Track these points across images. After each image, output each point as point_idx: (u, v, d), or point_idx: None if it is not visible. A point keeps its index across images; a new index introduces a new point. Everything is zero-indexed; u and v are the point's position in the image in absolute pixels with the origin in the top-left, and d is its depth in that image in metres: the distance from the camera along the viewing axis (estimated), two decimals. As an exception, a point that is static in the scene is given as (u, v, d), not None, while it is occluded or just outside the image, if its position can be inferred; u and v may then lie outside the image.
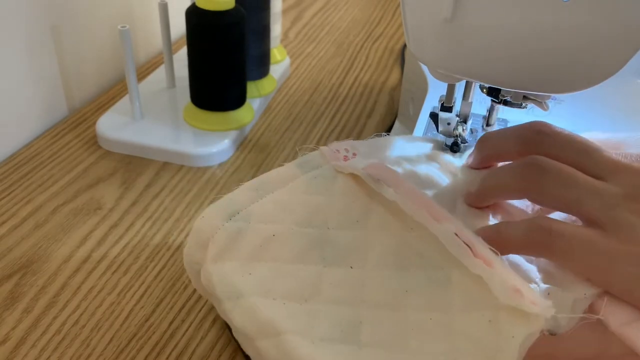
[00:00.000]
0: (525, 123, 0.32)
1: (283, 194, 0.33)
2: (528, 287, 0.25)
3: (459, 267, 0.28)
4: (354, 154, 0.36)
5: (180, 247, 0.43)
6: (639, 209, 0.26)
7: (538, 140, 0.31)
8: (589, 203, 0.27)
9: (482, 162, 0.36)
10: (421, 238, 0.31)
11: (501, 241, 0.28)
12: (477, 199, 0.34)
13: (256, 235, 0.31)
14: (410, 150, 0.38)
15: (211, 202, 0.48)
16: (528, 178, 0.29)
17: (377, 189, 0.32)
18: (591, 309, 0.26)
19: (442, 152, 0.39)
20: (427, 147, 0.39)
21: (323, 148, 0.36)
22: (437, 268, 0.29)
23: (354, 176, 0.34)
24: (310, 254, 0.31)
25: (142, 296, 0.39)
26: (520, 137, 0.32)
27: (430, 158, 0.38)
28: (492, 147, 0.34)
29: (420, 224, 0.30)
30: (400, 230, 0.31)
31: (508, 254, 0.29)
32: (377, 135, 0.38)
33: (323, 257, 0.31)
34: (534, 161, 0.29)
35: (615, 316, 0.25)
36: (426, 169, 0.37)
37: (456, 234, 0.28)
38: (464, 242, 0.27)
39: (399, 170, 0.35)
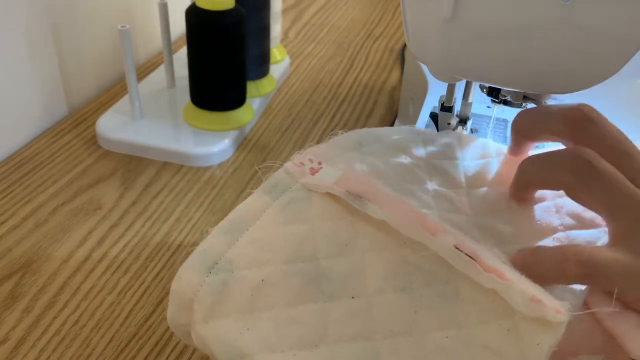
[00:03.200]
0: (572, 104, 0.30)
1: (259, 230, 0.30)
2: (546, 294, 0.25)
3: (465, 279, 0.27)
4: (319, 163, 0.33)
5: (180, 247, 0.43)
6: None
7: (585, 126, 0.29)
8: (631, 212, 0.26)
9: (526, 139, 0.33)
10: (418, 252, 0.29)
11: (533, 273, 0.27)
12: (517, 189, 0.32)
13: (244, 284, 0.28)
14: (373, 143, 0.36)
15: (210, 203, 0.48)
16: (577, 173, 0.28)
17: (360, 208, 0.30)
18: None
19: (412, 142, 0.37)
20: (391, 139, 0.37)
21: (287, 165, 0.33)
22: (443, 282, 0.28)
23: (329, 193, 0.31)
24: (307, 291, 0.28)
25: (142, 296, 0.39)
26: (567, 118, 0.30)
27: (397, 149, 0.36)
28: (534, 124, 0.32)
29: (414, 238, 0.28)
30: (394, 247, 0.30)
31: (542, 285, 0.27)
32: (336, 135, 0.36)
33: (321, 291, 0.28)
34: (585, 156, 0.28)
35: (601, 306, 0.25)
36: (394, 163, 0.35)
37: (456, 247, 0.27)
38: (467, 255, 0.26)
39: (364, 167, 0.33)
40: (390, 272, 0.29)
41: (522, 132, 0.33)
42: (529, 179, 0.31)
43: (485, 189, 0.34)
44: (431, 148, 0.36)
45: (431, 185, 0.34)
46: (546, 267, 0.27)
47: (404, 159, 0.35)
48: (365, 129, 0.36)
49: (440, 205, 0.33)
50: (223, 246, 0.29)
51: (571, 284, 0.27)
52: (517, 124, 0.33)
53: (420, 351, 0.26)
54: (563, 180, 0.28)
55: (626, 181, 0.27)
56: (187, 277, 0.28)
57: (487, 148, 0.37)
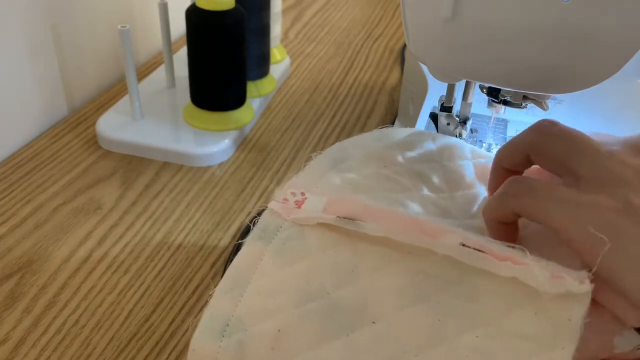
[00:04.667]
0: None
1: (261, 279, 0.29)
2: (564, 268, 0.25)
3: (478, 274, 0.27)
4: (303, 194, 0.32)
5: (180, 247, 0.43)
6: (628, 161, 0.27)
7: (549, 124, 0.31)
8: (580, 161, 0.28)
9: (506, 170, 0.33)
10: (425, 258, 0.29)
11: (489, 219, 0.29)
12: (492, 175, 0.33)
13: (261, 340, 0.27)
14: (348, 159, 0.35)
15: (210, 203, 0.48)
16: (540, 130, 0.30)
17: (358, 230, 0.29)
18: None
19: (387, 148, 0.36)
20: (366, 150, 0.36)
21: (271, 205, 0.32)
22: (457, 283, 0.28)
23: (321, 223, 0.31)
24: (327, 329, 0.27)
25: (142, 296, 0.39)
26: (532, 128, 0.31)
27: (374, 160, 0.35)
28: (509, 147, 0.33)
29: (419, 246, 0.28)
30: (400, 260, 0.29)
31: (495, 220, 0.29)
32: (310, 159, 0.35)
33: (340, 325, 0.27)
34: (547, 120, 0.30)
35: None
36: (374, 174, 0.34)
37: (463, 244, 0.27)
38: (476, 249, 0.26)
39: (346, 186, 0.33)
40: (403, 287, 0.28)
41: (501, 163, 0.33)
42: (499, 157, 0.32)
43: (466, 191, 0.35)
44: (409, 153, 0.36)
45: (416, 191, 0.34)
46: (492, 204, 0.29)
47: (383, 169, 0.35)
48: (336, 144, 0.36)
49: (428, 210, 0.33)
50: (229, 306, 0.28)
51: (513, 207, 0.28)
52: (496, 157, 0.33)
53: (455, 359, 0.26)
54: (527, 140, 0.30)
55: (584, 135, 0.29)
56: (202, 348, 0.27)
57: (463, 150, 0.37)
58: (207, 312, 0.28)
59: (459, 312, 0.27)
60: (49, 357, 0.35)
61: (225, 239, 0.44)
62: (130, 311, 0.38)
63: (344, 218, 0.30)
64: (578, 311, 0.25)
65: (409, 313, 0.27)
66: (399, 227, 0.29)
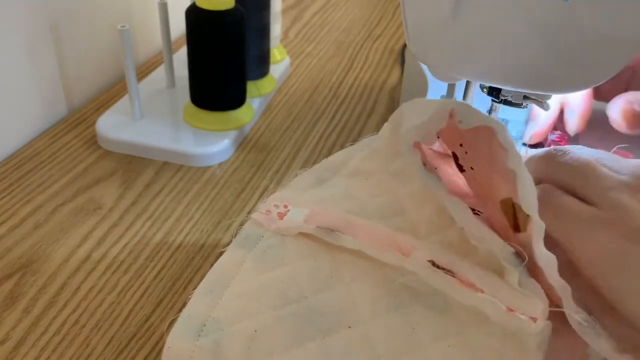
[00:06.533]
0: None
1: (241, 284, 0.30)
2: (522, 301, 0.25)
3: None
4: (285, 206, 0.33)
5: (180, 247, 0.43)
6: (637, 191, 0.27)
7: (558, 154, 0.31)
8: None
9: None
10: (400, 270, 0.29)
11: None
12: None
13: (237, 339, 0.28)
14: (332, 177, 0.36)
15: (210, 203, 0.48)
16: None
17: (334, 242, 0.30)
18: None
19: (367, 160, 0.36)
20: (348, 165, 0.37)
21: (254, 215, 0.33)
22: (430, 295, 0.28)
23: (301, 233, 0.32)
24: (303, 331, 0.28)
25: (142, 296, 0.39)
26: (542, 156, 0.32)
27: (356, 174, 0.36)
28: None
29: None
30: (377, 270, 0.30)
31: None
32: (295, 176, 0.36)
33: (317, 328, 0.28)
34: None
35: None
36: (357, 186, 0.35)
37: (433, 262, 0.27)
38: (443, 268, 0.27)
39: (329, 200, 0.33)
40: (379, 295, 0.29)
41: None
42: None
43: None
44: (391, 162, 0.36)
45: (401, 189, 0.34)
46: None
47: (365, 181, 0.35)
48: (322, 162, 0.36)
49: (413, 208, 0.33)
50: (207, 307, 0.29)
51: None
52: None
53: None
54: (537, 168, 0.30)
55: (595, 165, 0.29)
56: (177, 346, 0.28)
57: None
58: (184, 312, 0.29)
59: (432, 321, 0.28)
60: (48, 357, 0.34)
61: (225, 239, 0.44)
62: (130, 311, 0.38)
63: (324, 228, 0.31)
64: (536, 341, 0.25)
65: (384, 320, 0.28)
66: (374, 241, 0.29)
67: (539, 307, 0.25)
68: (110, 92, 0.63)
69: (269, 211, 0.33)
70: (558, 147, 0.31)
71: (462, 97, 0.40)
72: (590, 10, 0.29)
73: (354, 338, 0.28)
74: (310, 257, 0.31)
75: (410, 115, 0.32)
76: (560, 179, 0.29)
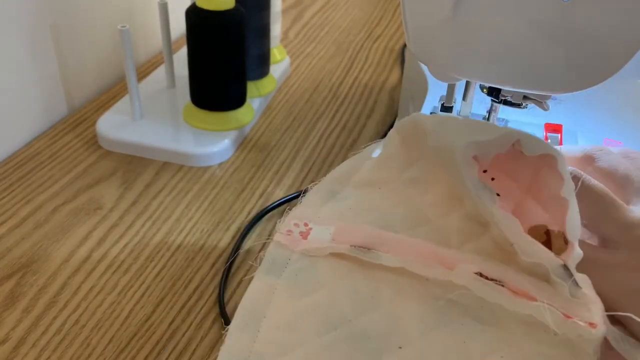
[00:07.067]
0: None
1: (277, 313, 0.28)
2: (577, 308, 0.25)
3: None
4: (306, 224, 0.32)
5: (180, 247, 0.43)
6: None
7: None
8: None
9: None
10: (443, 285, 0.28)
11: None
12: None
13: None
14: (344, 188, 0.35)
15: (210, 203, 0.48)
16: None
17: (373, 260, 0.29)
18: None
19: (376, 169, 0.36)
20: (357, 175, 0.36)
21: (277, 237, 0.31)
22: (478, 308, 0.28)
23: (332, 253, 0.30)
24: (355, 356, 0.27)
25: (142, 296, 0.39)
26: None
27: (368, 184, 0.35)
28: None
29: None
30: (419, 286, 0.29)
31: None
32: (306, 191, 0.35)
33: (369, 351, 0.27)
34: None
35: None
36: (373, 197, 0.34)
37: (480, 274, 0.27)
38: (492, 279, 0.27)
39: (348, 214, 0.32)
40: (425, 312, 0.28)
41: None
42: None
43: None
44: (405, 171, 0.35)
45: (418, 199, 0.33)
46: None
47: (378, 190, 0.34)
48: (330, 174, 0.35)
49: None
50: (246, 342, 0.27)
51: None
52: None
53: None
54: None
55: (613, 197, 0.29)
56: None
57: None
58: (224, 350, 0.27)
59: (482, 335, 0.27)
60: (49, 357, 0.35)
61: (225, 239, 0.44)
62: (130, 311, 0.38)
63: (359, 247, 0.29)
64: (592, 346, 0.25)
65: (434, 337, 0.27)
66: (415, 256, 0.29)
67: (597, 312, 0.25)
68: (111, 92, 0.63)
69: (290, 231, 0.31)
70: (575, 175, 0.30)
71: (462, 97, 0.40)
72: (590, 10, 0.29)
73: (408, 358, 0.27)
74: (346, 278, 0.29)
75: (444, 133, 0.31)
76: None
